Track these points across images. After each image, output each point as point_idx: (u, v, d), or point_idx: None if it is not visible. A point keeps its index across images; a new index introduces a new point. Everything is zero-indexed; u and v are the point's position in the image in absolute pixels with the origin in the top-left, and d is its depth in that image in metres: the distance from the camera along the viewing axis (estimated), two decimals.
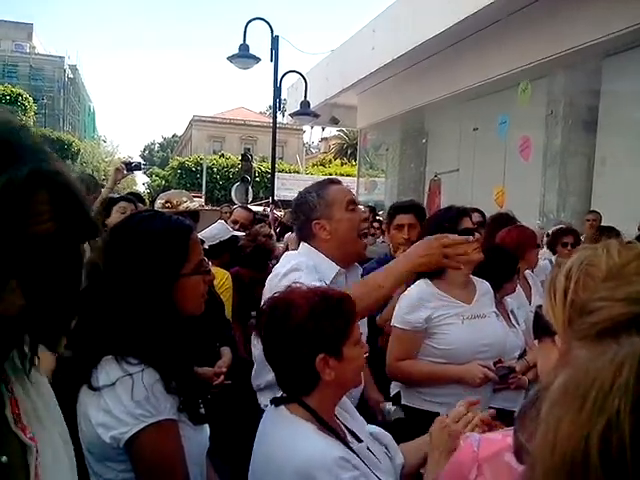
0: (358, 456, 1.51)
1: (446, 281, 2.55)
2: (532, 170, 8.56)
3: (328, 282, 2.11)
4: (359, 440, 1.60)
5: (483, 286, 2.66)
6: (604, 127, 7.99)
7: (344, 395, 1.65)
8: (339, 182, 2.38)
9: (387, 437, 1.72)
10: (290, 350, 1.52)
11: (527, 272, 3.72)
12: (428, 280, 2.57)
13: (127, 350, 1.41)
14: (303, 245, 2.28)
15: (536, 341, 1.13)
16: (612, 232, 4.42)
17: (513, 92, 8.34)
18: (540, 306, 1.07)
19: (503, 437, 0.99)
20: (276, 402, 1.59)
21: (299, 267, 2.12)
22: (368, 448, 1.59)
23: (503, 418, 2.21)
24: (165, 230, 1.54)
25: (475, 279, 2.65)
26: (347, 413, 1.69)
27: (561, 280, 0.97)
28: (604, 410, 0.36)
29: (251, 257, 3.64)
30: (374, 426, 1.78)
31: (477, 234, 2.60)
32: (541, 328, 1.02)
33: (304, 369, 1.51)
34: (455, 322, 2.50)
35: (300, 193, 2.36)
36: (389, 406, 2.44)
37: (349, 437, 1.59)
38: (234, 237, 3.69)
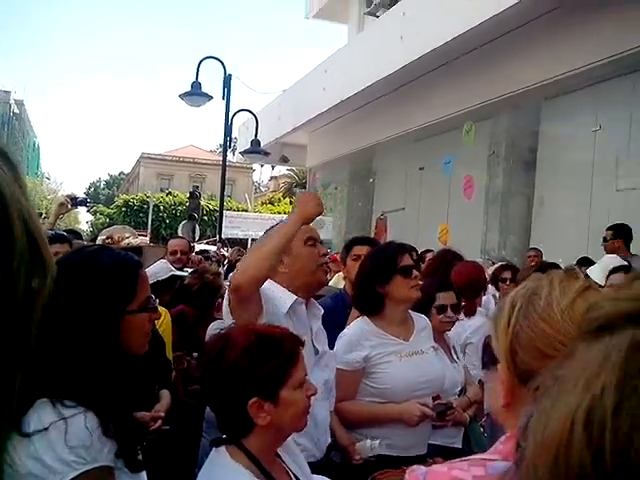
0: None
1: (384, 318, 2.55)
2: (475, 209, 8.81)
3: (285, 311, 2.15)
4: None
5: (421, 321, 2.68)
6: (542, 167, 8.34)
7: (285, 440, 1.59)
8: None
9: None
10: (222, 392, 1.47)
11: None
12: (366, 318, 2.57)
13: (64, 392, 1.32)
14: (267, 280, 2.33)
15: (483, 371, 1.15)
16: (554, 267, 4.55)
17: (458, 133, 8.64)
18: (489, 336, 1.08)
19: (449, 470, 0.98)
20: (216, 443, 1.52)
21: None
22: None
23: (443, 454, 2.21)
24: (112, 265, 1.48)
25: (413, 314, 2.67)
26: (293, 460, 1.63)
27: (506, 308, 0.99)
28: (590, 389, 0.37)
29: (197, 295, 3.56)
30: (320, 476, 1.73)
31: (416, 272, 2.61)
32: (489, 357, 1.04)
33: (237, 412, 1.45)
34: (393, 360, 2.50)
35: (277, 223, 2.43)
36: (370, 442, 2.36)
37: None
38: (173, 277, 3.60)
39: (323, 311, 2.44)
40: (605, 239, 5.58)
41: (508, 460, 0.91)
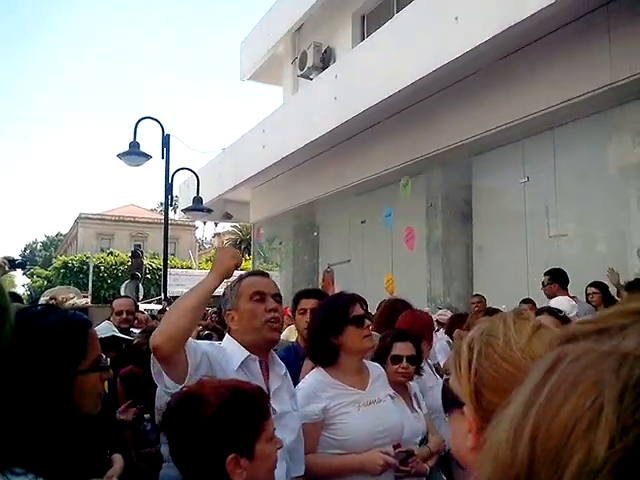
0: None
1: (339, 369, 2.56)
2: (418, 258, 9.05)
3: (235, 368, 2.12)
4: None
5: (375, 370, 2.70)
6: (478, 218, 8.72)
7: None
8: (260, 274, 2.47)
9: None
10: (197, 450, 1.43)
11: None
12: (321, 369, 2.58)
13: (12, 459, 1.28)
14: (226, 337, 2.35)
15: (445, 415, 1.16)
16: (498, 312, 4.72)
17: (396, 187, 8.95)
18: (447, 379, 1.11)
19: None
20: None
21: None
22: None
23: None
24: (60, 325, 1.45)
25: (367, 363, 2.69)
26: None
27: (464, 351, 1.01)
28: (519, 400, 0.44)
29: (147, 355, 3.48)
30: None
31: (368, 321, 2.65)
32: (449, 401, 1.06)
33: (213, 471, 1.43)
34: (351, 410, 2.49)
35: (227, 285, 2.44)
36: None
37: None
38: (114, 337, 3.53)
39: (286, 370, 2.37)
40: (543, 284, 5.86)
41: None
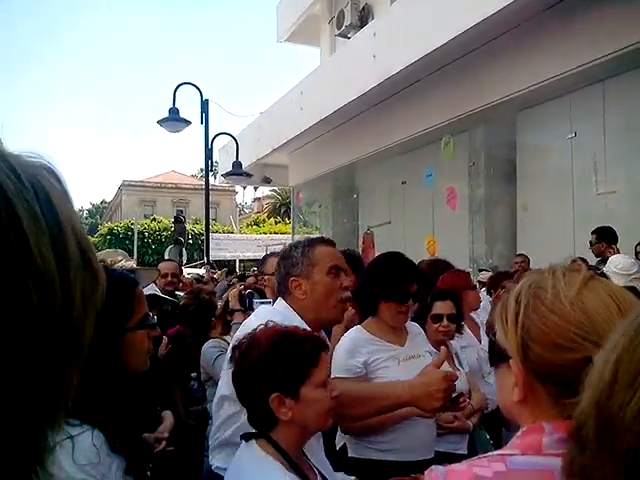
0: None
1: (378, 325, 2.59)
2: (460, 219, 8.91)
3: None
4: None
5: (413, 328, 2.71)
6: (522, 176, 8.48)
7: (311, 437, 1.65)
8: (331, 243, 2.27)
9: None
10: (246, 387, 1.57)
11: (472, 313, 3.80)
12: (360, 327, 2.61)
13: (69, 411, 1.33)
14: (279, 301, 2.19)
15: (492, 369, 1.15)
16: None
17: (437, 146, 8.77)
18: (495, 334, 1.09)
19: (469, 467, 0.98)
20: (246, 437, 1.60)
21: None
22: None
23: (449, 461, 2.21)
24: (109, 282, 1.49)
25: (407, 323, 2.69)
26: (317, 459, 1.68)
27: (511, 304, 0.99)
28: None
29: (194, 315, 3.56)
30: (341, 473, 1.77)
31: (410, 301, 2.61)
32: (496, 355, 1.04)
33: (261, 407, 1.54)
34: (391, 365, 2.52)
35: (287, 246, 2.30)
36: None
37: (319, 479, 1.57)
38: (154, 296, 3.61)
39: (330, 345, 2.30)
40: (591, 243, 5.70)
41: (527, 454, 0.92)
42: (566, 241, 7.24)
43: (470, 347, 3.44)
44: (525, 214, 8.42)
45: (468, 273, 4.12)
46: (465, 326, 3.49)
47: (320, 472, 1.64)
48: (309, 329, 2.05)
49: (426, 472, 1.05)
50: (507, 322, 0.98)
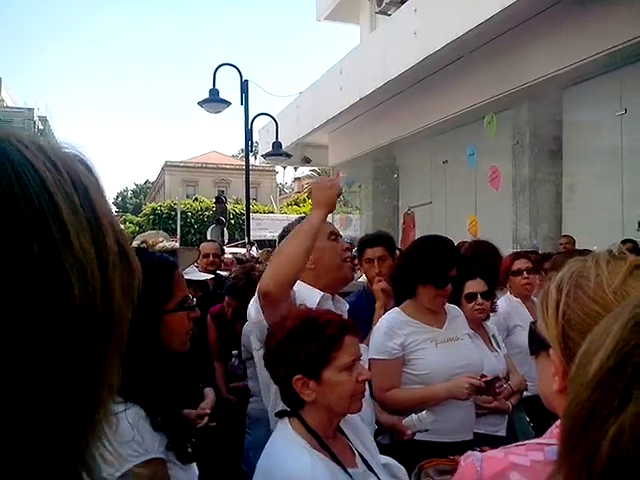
0: None
1: (416, 307, 2.59)
2: (503, 199, 8.73)
3: (314, 308, 2.08)
4: (369, 467, 1.60)
5: (453, 310, 2.70)
6: (569, 155, 8.23)
7: (340, 418, 1.66)
8: None
9: (401, 471, 1.73)
10: (273, 369, 1.63)
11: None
12: (398, 309, 2.61)
13: None
14: None
15: (532, 357, 1.13)
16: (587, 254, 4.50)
17: (480, 124, 8.57)
18: (535, 322, 1.07)
19: (506, 455, 0.97)
20: (280, 414, 1.66)
21: None
22: (377, 477, 1.59)
23: (487, 443, 2.21)
24: (149, 266, 1.53)
25: (446, 305, 2.68)
26: (360, 440, 1.69)
27: (552, 293, 0.96)
28: None
29: (243, 290, 3.62)
30: (388, 457, 1.78)
31: (450, 286, 2.61)
32: (536, 343, 1.02)
33: (286, 387, 1.59)
34: (429, 346, 2.52)
35: (286, 225, 2.43)
36: (415, 415, 2.35)
37: (358, 460, 1.59)
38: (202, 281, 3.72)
39: (348, 306, 2.43)
40: None
41: None
42: (614, 222, 7.02)
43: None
44: (571, 194, 8.19)
45: (535, 253, 4.13)
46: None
47: (360, 453, 1.64)
48: (323, 294, 2.17)
49: (462, 458, 1.04)
50: (548, 311, 0.96)
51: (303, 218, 2.39)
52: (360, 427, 1.75)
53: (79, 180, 0.49)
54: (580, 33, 6.82)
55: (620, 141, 7.34)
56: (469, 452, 1.04)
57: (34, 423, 0.44)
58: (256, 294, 1.95)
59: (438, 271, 2.51)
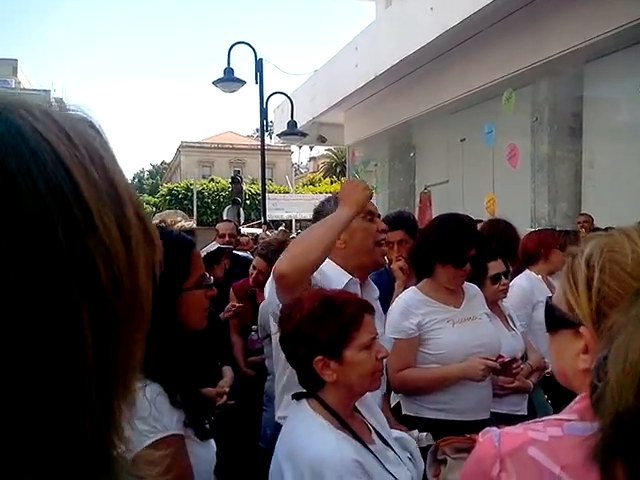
0: (376, 457, 1.51)
1: (434, 286, 2.57)
2: (521, 177, 8.62)
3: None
4: (385, 442, 1.61)
5: (471, 289, 2.68)
6: (589, 132, 8.08)
7: (359, 397, 1.67)
8: None
9: (412, 444, 1.75)
10: (291, 351, 1.62)
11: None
12: (415, 288, 2.60)
13: None
14: None
15: (548, 335, 1.11)
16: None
17: (498, 101, 8.43)
18: (550, 297, 1.05)
19: (524, 430, 0.97)
20: (297, 397, 1.65)
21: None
22: (394, 451, 1.60)
23: (510, 423, 2.20)
24: (167, 244, 1.53)
25: (465, 284, 2.66)
26: (373, 416, 1.71)
27: (583, 269, 0.94)
28: None
29: (274, 253, 3.69)
30: (400, 432, 1.79)
31: (468, 266, 2.57)
32: (557, 320, 1.00)
33: (306, 369, 1.59)
34: (445, 326, 2.51)
35: (320, 201, 2.36)
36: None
37: (374, 437, 1.61)
38: (220, 249, 3.74)
39: (378, 293, 2.36)
40: None
41: (585, 419, 0.89)
42: (635, 201, 6.89)
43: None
44: (591, 172, 8.05)
45: (555, 231, 4.05)
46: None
47: (375, 429, 1.66)
48: (351, 277, 2.12)
49: (480, 434, 1.04)
50: (577, 287, 0.94)
51: (335, 198, 2.29)
52: (371, 403, 1.76)
53: (95, 151, 0.45)
54: (601, 6, 6.65)
55: None
56: (487, 428, 1.04)
57: (69, 405, 0.42)
58: (272, 274, 1.94)
59: (457, 251, 2.49)
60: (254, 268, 3.85)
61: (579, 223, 6.53)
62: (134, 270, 0.46)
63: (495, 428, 1.04)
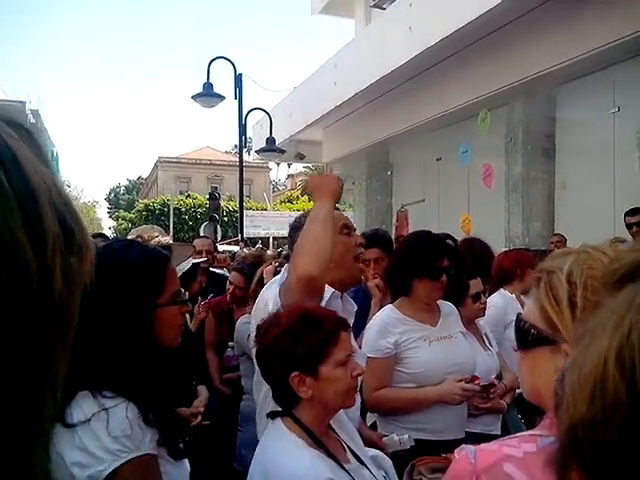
0: (351, 476, 1.50)
1: (411, 305, 2.58)
2: (496, 197, 8.74)
3: (323, 304, 2.03)
4: (360, 461, 1.60)
5: (446, 307, 2.70)
6: (562, 153, 8.25)
7: (334, 414, 1.66)
8: (335, 208, 2.30)
9: (387, 462, 1.74)
10: (267, 366, 1.61)
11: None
12: (392, 306, 2.61)
13: (103, 384, 1.36)
14: None
15: (517, 352, 1.11)
16: None
17: (473, 121, 8.57)
18: (520, 314, 1.06)
19: (499, 447, 0.98)
20: (272, 415, 1.63)
21: None
22: (369, 470, 1.59)
23: (483, 442, 2.20)
24: (141, 260, 1.52)
25: (440, 302, 2.68)
26: (347, 435, 1.69)
27: (564, 286, 0.94)
28: (618, 330, 0.40)
29: (250, 267, 3.67)
30: (375, 450, 1.78)
31: (445, 277, 2.59)
32: (531, 337, 1.00)
33: (282, 385, 1.57)
34: (422, 345, 2.52)
35: (296, 217, 2.35)
36: (398, 436, 2.37)
37: (349, 455, 1.59)
38: (195, 265, 3.70)
39: (356, 307, 2.34)
40: (630, 225, 5.48)
41: (553, 433, 0.90)
42: (606, 221, 7.03)
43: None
44: (564, 192, 8.21)
45: (531, 251, 4.11)
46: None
47: (350, 448, 1.65)
48: (333, 291, 2.11)
49: (456, 451, 1.04)
50: (559, 304, 0.94)
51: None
52: (345, 421, 1.75)
53: (4, 146, 0.41)
54: (574, 30, 6.83)
55: (613, 139, 7.37)
56: (463, 445, 1.04)
57: None
58: (285, 286, 1.90)
59: (431, 262, 2.51)
60: (231, 283, 3.83)
61: (552, 243, 6.63)
62: (49, 281, 0.43)
63: (471, 446, 1.04)
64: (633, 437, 0.36)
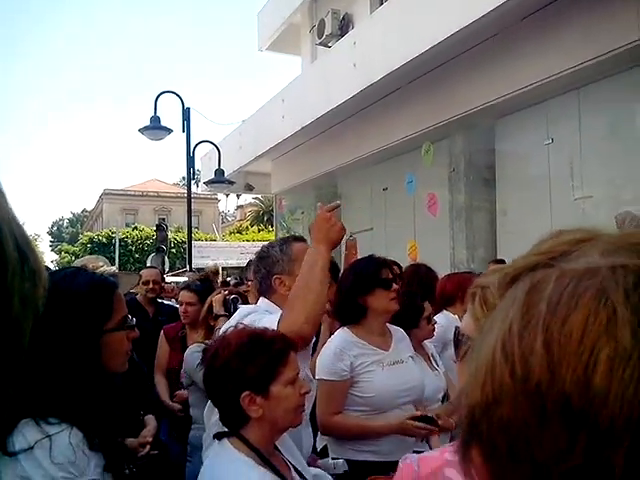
0: None
1: (364, 329, 2.63)
2: (441, 225, 9.00)
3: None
4: (304, 478, 1.62)
5: (398, 333, 2.76)
6: (501, 182, 8.61)
7: (282, 433, 1.68)
8: (303, 240, 2.39)
9: (327, 479, 1.76)
10: (218, 387, 1.61)
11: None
12: (347, 329, 2.64)
13: (47, 410, 1.35)
14: (262, 300, 2.25)
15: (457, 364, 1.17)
16: None
17: (417, 153, 8.86)
18: (458, 327, 1.12)
19: (441, 453, 1.02)
20: (218, 436, 1.63)
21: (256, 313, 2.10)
22: None
23: None
24: (89, 286, 1.52)
25: (389, 326, 2.75)
26: (291, 454, 1.71)
27: (496, 299, 0.99)
28: (504, 323, 0.46)
29: (197, 284, 3.66)
30: (316, 469, 1.80)
31: (395, 285, 2.69)
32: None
33: (231, 405, 1.59)
34: (376, 369, 2.55)
35: (263, 247, 2.37)
36: (333, 461, 2.40)
37: (294, 474, 1.61)
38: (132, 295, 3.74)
39: (314, 338, 2.34)
40: None
41: None
42: None
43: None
44: (505, 220, 8.54)
45: (474, 274, 4.24)
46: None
47: (294, 466, 1.67)
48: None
49: (401, 460, 1.09)
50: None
51: (293, 238, 2.39)
52: (289, 444, 1.77)
53: None
54: (510, 66, 7.22)
55: (548, 169, 7.75)
56: (407, 454, 1.09)
57: None
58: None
59: (376, 275, 2.59)
60: (181, 304, 3.83)
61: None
62: (8, 305, 0.45)
63: (414, 454, 1.09)
64: (517, 413, 0.41)
